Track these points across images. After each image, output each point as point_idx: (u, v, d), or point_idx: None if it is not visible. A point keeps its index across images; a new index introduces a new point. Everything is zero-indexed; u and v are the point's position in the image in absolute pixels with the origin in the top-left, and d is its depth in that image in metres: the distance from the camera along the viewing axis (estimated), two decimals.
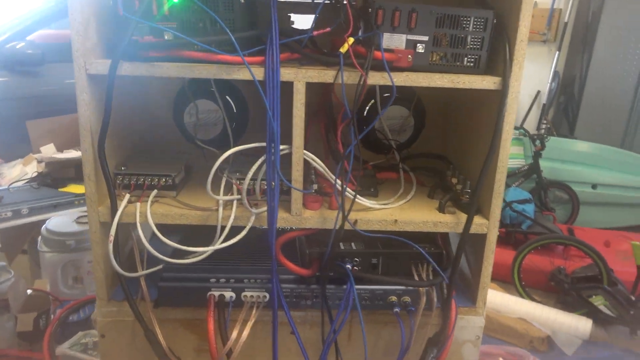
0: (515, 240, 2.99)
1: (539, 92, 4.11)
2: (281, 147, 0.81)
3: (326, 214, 0.85)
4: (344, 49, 0.78)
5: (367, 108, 1.09)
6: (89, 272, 1.52)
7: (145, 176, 0.89)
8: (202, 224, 0.85)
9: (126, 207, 0.84)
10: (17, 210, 2.08)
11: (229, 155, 0.86)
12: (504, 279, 2.71)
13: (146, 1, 0.78)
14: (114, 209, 0.83)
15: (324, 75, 0.80)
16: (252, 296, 0.84)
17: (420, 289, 0.85)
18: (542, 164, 3.36)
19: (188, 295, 0.85)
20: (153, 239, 0.84)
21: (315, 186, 0.88)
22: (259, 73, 0.78)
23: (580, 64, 3.99)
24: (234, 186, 0.87)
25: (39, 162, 2.61)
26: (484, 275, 0.88)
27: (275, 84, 0.77)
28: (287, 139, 0.82)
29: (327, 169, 0.85)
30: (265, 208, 0.83)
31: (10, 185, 2.31)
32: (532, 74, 4.04)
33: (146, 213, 0.83)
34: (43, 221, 1.70)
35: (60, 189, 2.33)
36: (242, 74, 0.78)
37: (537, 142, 3.33)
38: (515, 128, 3.65)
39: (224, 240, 0.83)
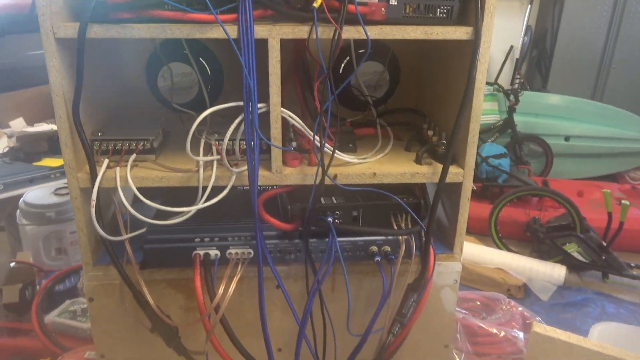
0: (491, 194, 3.07)
1: (512, 47, 4.12)
2: (259, 105, 0.82)
3: (306, 170, 0.87)
4: (317, 3, 0.77)
5: (343, 65, 1.09)
6: (72, 243, 1.52)
7: (123, 141, 0.89)
8: (183, 185, 0.86)
9: (106, 172, 0.84)
10: None
11: (207, 117, 0.86)
12: (482, 232, 2.79)
13: None
14: (93, 175, 0.83)
15: (298, 31, 0.79)
16: (236, 253, 0.86)
17: (400, 237, 0.88)
18: (517, 118, 3.42)
19: (173, 256, 0.86)
20: (135, 204, 0.85)
21: (294, 144, 0.89)
22: (232, 31, 0.77)
23: (552, 17, 4.01)
24: (213, 147, 0.87)
25: (9, 137, 2.54)
26: (460, 223, 0.91)
27: (249, 41, 0.76)
28: (264, 98, 0.82)
29: (305, 126, 0.86)
30: (245, 167, 0.84)
31: None
32: (505, 29, 4.05)
33: (126, 177, 0.84)
34: (19, 196, 1.68)
35: (34, 163, 2.29)
36: (215, 33, 0.78)
37: (511, 97, 3.38)
38: (489, 84, 3.68)
39: (206, 201, 0.84)
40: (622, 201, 2.33)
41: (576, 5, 3.83)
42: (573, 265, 2.45)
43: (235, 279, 0.84)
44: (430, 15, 0.84)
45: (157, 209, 0.84)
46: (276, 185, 0.90)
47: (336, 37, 0.78)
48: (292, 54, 1.02)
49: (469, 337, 1.10)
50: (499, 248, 2.69)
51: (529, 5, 4.02)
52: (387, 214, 0.90)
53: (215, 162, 0.86)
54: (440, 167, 0.87)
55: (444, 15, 0.84)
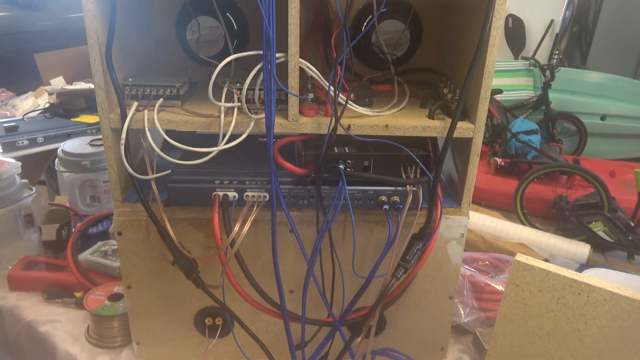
0: (519, 171, 3.04)
1: (552, 21, 4.00)
2: (277, 55, 0.86)
3: (321, 120, 0.91)
4: None
5: (365, 23, 1.11)
6: (105, 192, 1.61)
7: (152, 87, 0.94)
8: (205, 130, 0.91)
9: (135, 115, 0.90)
10: (32, 138, 2.17)
11: (230, 69, 0.90)
12: (508, 208, 2.78)
13: None
14: (123, 116, 0.89)
15: None
16: (253, 196, 0.91)
17: (408, 187, 0.91)
18: (552, 95, 3.34)
19: (195, 195, 0.93)
20: (161, 149, 0.90)
21: (311, 95, 0.93)
22: None
23: None
24: (235, 95, 0.92)
25: (50, 94, 2.67)
26: (469, 178, 0.94)
27: None
28: (285, 47, 0.86)
29: (322, 77, 0.90)
30: (264, 115, 0.88)
31: (24, 115, 2.39)
32: (546, 3, 3.93)
33: (154, 119, 0.89)
34: (57, 150, 1.79)
35: (72, 119, 2.40)
36: None
37: (547, 73, 3.30)
38: (526, 58, 3.60)
39: (227, 143, 0.89)
40: None
41: None
42: (598, 245, 2.42)
43: (250, 219, 0.90)
44: None
45: (183, 150, 0.89)
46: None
47: None
48: (316, 9, 1.05)
49: (475, 294, 1.14)
50: (523, 224, 2.68)
51: None
52: (397, 166, 0.93)
53: (235, 109, 0.91)
54: (450, 122, 0.89)
55: None
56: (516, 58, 4.12)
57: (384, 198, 0.92)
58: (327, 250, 0.97)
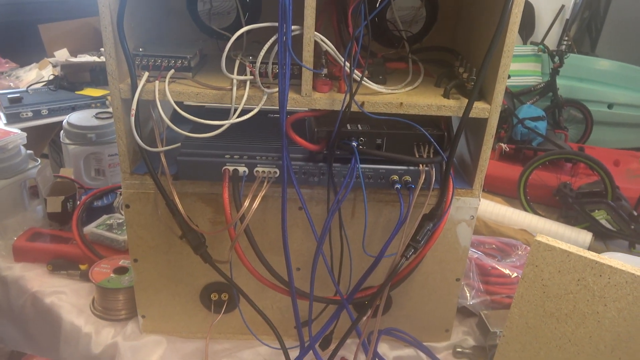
0: (524, 157, 3.02)
1: (563, 6, 3.94)
2: (292, 27, 0.84)
3: (335, 96, 0.89)
4: None
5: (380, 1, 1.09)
6: (110, 165, 1.60)
7: (163, 57, 0.93)
8: (217, 102, 0.90)
9: (145, 85, 0.89)
10: (37, 110, 2.15)
11: (242, 41, 0.88)
12: (511, 195, 2.77)
13: None
14: (134, 86, 0.87)
15: None
16: (263, 171, 0.90)
17: (420, 167, 0.90)
18: (559, 82, 3.31)
19: (204, 169, 0.91)
20: (172, 116, 0.89)
21: (325, 70, 0.91)
22: None
23: None
24: (247, 68, 0.90)
25: (54, 66, 2.64)
26: (482, 159, 0.93)
27: None
28: (299, 21, 0.84)
29: (337, 52, 0.88)
30: (277, 89, 0.86)
31: (28, 87, 2.37)
32: None
33: (165, 90, 0.88)
34: (61, 123, 1.77)
35: (77, 92, 2.38)
36: None
37: (556, 59, 3.26)
38: (535, 44, 3.55)
39: (239, 117, 0.88)
40: None
41: None
42: (600, 233, 2.42)
43: (261, 195, 0.89)
44: None
45: (193, 123, 0.88)
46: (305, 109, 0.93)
47: None
48: None
49: (481, 277, 1.14)
50: (526, 211, 2.68)
51: None
52: (411, 144, 0.92)
53: (248, 82, 0.89)
54: (466, 101, 0.87)
55: None
56: (525, 43, 4.07)
57: (395, 177, 0.91)
58: (336, 229, 0.97)
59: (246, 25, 1.10)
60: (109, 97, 2.27)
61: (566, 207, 2.60)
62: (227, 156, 0.92)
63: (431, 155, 0.91)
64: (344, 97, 0.86)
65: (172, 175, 0.93)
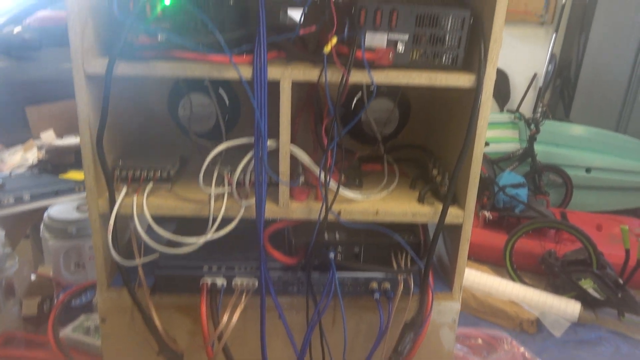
0: (508, 224, 3.05)
1: (535, 74, 4.12)
2: (269, 142, 0.86)
3: (312, 205, 0.91)
4: (327, 49, 0.82)
5: (354, 101, 1.13)
6: (90, 258, 1.58)
7: (142, 169, 0.94)
8: (195, 215, 0.90)
9: (124, 199, 0.89)
10: (19, 196, 2.14)
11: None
12: (497, 262, 2.78)
13: (140, 3, 0.81)
14: (112, 201, 0.88)
15: (309, 74, 0.84)
16: (242, 283, 0.90)
17: (399, 275, 0.90)
18: (537, 147, 3.40)
19: (182, 283, 0.91)
20: (150, 229, 0.89)
21: (302, 178, 0.93)
22: (247, 71, 0.82)
23: (577, 47, 4.00)
24: (225, 178, 0.91)
25: (39, 148, 2.65)
26: (460, 264, 0.93)
27: (262, 84, 0.81)
28: (276, 131, 0.87)
29: (312, 162, 0.90)
30: (254, 200, 0.88)
31: (11, 172, 2.37)
32: (529, 56, 4.05)
33: (142, 205, 0.89)
34: (45, 207, 1.76)
35: (60, 176, 2.38)
36: (232, 73, 0.83)
37: (532, 126, 3.37)
38: (511, 112, 3.68)
39: (216, 231, 0.88)
40: None
41: (602, 36, 3.82)
42: (588, 302, 2.41)
43: (240, 308, 0.88)
44: (437, 61, 0.88)
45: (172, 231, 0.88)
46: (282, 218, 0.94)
47: (343, 81, 0.82)
48: (308, 90, 1.07)
49: None
50: (513, 280, 2.67)
51: (554, 34, 4.02)
52: (388, 252, 0.92)
53: (226, 194, 0.91)
54: (441, 207, 0.89)
55: (450, 62, 0.88)
56: (501, 110, 4.22)
57: (374, 285, 0.91)
58: (317, 337, 0.95)
59: (226, 127, 1.14)
60: None
61: (553, 275, 2.61)
62: (205, 268, 0.91)
63: (409, 262, 0.92)
64: (320, 208, 0.88)
65: (150, 288, 0.92)
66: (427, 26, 0.86)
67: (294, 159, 0.90)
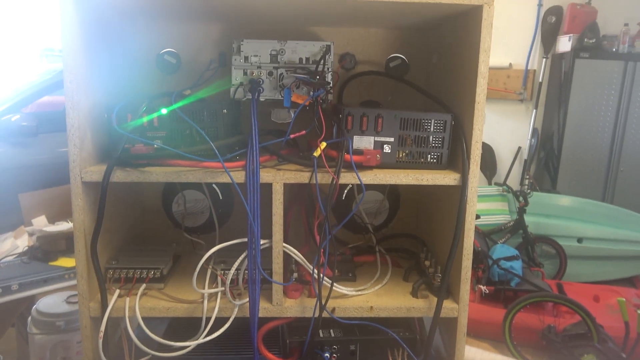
0: (505, 298, 3.01)
1: (519, 148, 4.25)
2: (262, 241, 0.88)
3: (306, 303, 0.90)
4: (317, 153, 0.85)
5: (346, 192, 1.16)
6: (77, 353, 1.53)
7: (135, 269, 0.94)
8: (188, 316, 0.90)
9: (116, 302, 0.89)
10: (7, 286, 2.09)
11: (215, 236, 0.90)
12: (496, 338, 2.71)
13: (138, 114, 0.86)
14: (104, 305, 0.87)
15: (300, 176, 0.87)
16: None
17: None
18: (528, 219, 3.44)
19: None
20: (140, 328, 0.88)
21: (295, 275, 0.94)
22: (240, 176, 0.85)
23: (558, 121, 4.16)
24: (219, 277, 0.92)
25: (30, 235, 2.64)
26: (458, 357, 0.92)
27: (255, 188, 0.84)
28: (269, 228, 0.88)
29: (305, 260, 0.91)
30: (247, 299, 0.88)
31: (0, 260, 2.34)
32: (512, 131, 4.20)
33: (135, 308, 0.88)
34: (32, 297, 1.72)
35: (50, 263, 2.35)
36: (225, 178, 0.86)
37: (520, 199, 3.42)
38: (499, 184, 3.75)
39: (209, 331, 0.87)
40: (638, 310, 2.28)
41: (580, 109, 3.99)
42: None
43: None
44: (422, 160, 0.92)
45: (163, 332, 0.87)
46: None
47: (333, 183, 0.85)
48: (299, 187, 1.10)
49: None
50: (514, 356, 2.60)
51: (534, 110, 4.20)
52: (385, 348, 0.91)
53: (219, 293, 0.91)
54: (435, 300, 0.89)
55: (435, 161, 0.92)
56: (489, 183, 4.31)
57: None
58: None
59: (219, 221, 1.16)
60: None
61: (554, 351, 2.54)
62: None
63: (405, 357, 0.91)
64: (314, 306, 0.88)
65: None
66: (412, 129, 0.91)
67: (286, 256, 0.91)
